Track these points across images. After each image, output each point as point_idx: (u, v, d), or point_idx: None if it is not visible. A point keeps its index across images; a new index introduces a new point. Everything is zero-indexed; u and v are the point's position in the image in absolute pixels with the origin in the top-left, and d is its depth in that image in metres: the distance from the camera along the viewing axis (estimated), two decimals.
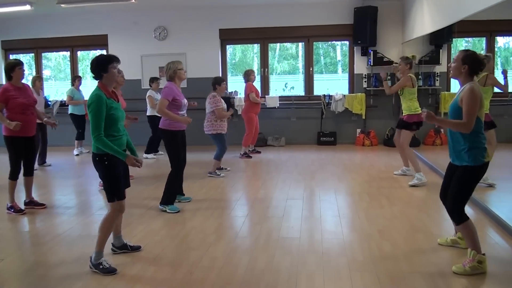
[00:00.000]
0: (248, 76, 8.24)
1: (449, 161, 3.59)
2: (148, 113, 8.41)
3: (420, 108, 6.12)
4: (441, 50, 8.94)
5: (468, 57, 3.39)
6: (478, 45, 9.38)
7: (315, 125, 9.76)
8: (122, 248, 3.83)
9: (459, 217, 3.41)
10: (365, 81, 9.54)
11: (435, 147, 8.99)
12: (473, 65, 3.38)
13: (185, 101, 5.15)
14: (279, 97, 9.74)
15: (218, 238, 4.20)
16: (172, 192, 5.13)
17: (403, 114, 6.25)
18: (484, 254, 3.36)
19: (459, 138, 3.39)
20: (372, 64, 9.24)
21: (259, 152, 8.86)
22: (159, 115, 5.09)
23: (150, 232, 4.40)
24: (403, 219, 4.65)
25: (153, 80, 8.47)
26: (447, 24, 6.44)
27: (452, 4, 6.11)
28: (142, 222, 4.70)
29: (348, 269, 3.46)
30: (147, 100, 8.35)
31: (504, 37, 8.26)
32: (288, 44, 10.62)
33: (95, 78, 3.51)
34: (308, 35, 9.74)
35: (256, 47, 10.43)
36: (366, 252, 3.78)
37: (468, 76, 3.41)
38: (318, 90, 9.93)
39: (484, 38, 8.26)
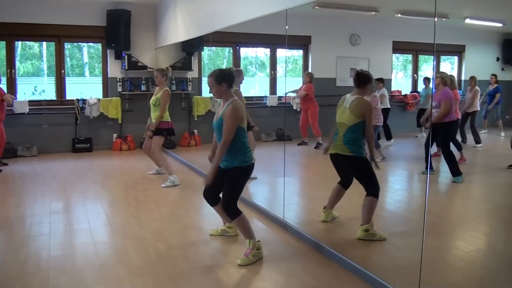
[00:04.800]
0: None
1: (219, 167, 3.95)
2: None
3: (169, 117, 6.38)
4: (192, 57, 9.61)
5: (219, 76, 3.72)
6: (221, 53, 10.50)
7: (69, 131, 9.22)
8: None
9: (233, 213, 3.79)
10: (120, 85, 9.49)
11: (191, 148, 9.64)
12: (229, 80, 3.76)
13: None
14: (29, 101, 8.80)
15: None
16: None
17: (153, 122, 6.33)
18: (259, 241, 3.87)
19: (230, 146, 3.71)
20: (126, 68, 9.26)
21: (6, 164, 7.87)
22: None
23: None
24: (173, 219, 4.93)
25: None
26: (200, 34, 7.03)
27: (206, 17, 6.67)
28: None
29: (128, 276, 3.51)
30: None
31: (245, 48, 9.55)
32: (30, 43, 9.68)
33: None
34: (59, 35, 9.06)
35: None
36: (144, 257, 3.90)
37: (227, 90, 3.76)
38: (70, 94, 9.41)
39: (231, 48, 9.31)
